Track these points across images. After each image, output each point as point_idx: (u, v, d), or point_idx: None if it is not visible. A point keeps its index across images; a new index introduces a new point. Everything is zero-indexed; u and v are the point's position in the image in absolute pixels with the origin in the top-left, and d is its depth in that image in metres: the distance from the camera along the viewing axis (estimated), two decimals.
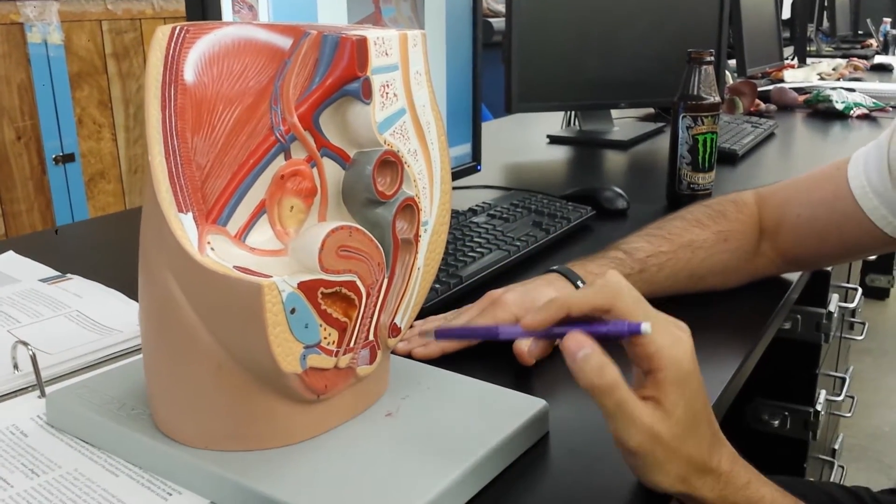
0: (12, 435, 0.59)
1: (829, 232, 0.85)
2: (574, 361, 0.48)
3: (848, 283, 1.58)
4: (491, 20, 3.16)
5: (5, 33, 2.25)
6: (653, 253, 0.83)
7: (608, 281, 0.51)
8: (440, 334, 0.53)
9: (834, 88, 2.25)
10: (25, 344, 0.66)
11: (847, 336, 1.72)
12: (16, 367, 0.68)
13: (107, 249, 1.13)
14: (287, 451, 0.54)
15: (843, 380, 1.58)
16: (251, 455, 0.53)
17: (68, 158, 2.44)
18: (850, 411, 1.59)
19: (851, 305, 1.44)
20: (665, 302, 0.83)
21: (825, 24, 4.41)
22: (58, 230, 1.18)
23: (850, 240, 0.84)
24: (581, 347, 0.48)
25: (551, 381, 0.70)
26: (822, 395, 1.35)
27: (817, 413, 1.29)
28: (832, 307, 1.26)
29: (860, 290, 1.52)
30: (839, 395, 1.50)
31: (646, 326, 0.48)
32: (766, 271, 0.90)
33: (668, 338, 0.49)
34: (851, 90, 2.25)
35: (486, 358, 0.71)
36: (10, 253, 0.99)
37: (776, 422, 1.29)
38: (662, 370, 0.48)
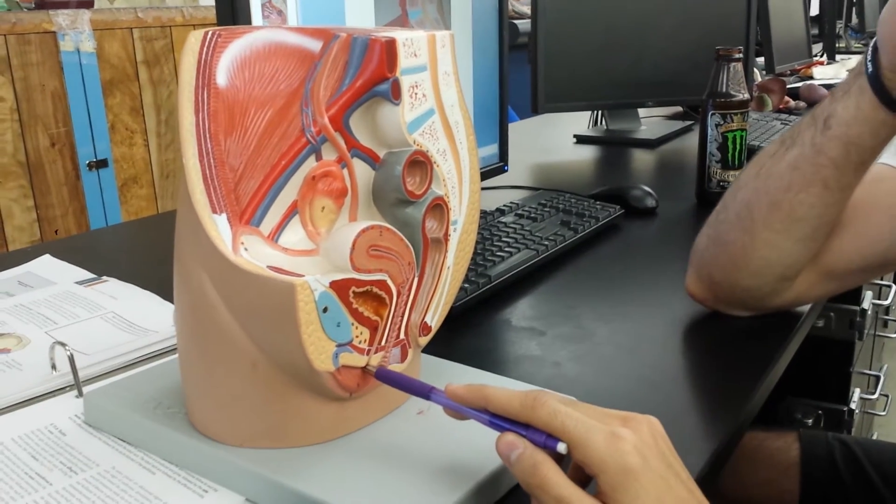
0: (51, 434, 0.61)
1: None
2: (510, 464, 0.47)
3: (881, 280, 1.56)
4: (516, 22, 3.15)
5: (39, 42, 2.29)
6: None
7: (533, 393, 0.47)
8: (379, 374, 0.54)
9: None
10: (63, 345, 0.67)
11: (881, 334, 1.70)
12: (54, 367, 0.69)
13: (141, 252, 1.15)
14: (321, 449, 0.54)
15: (878, 378, 1.56)
16: (285, 452, 0.53)
17: (101, 164, 2.47)
18: (884, 410, 1.57)
19: (886, 303, 1.43)
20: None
21: (854, 20, 4.36)
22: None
23: None
24: (513, 449, 0.46)
25: (582, 378, 0.70)
26: (857, 394, 1.33)
27: (851, 411, 1.28)
28: (866, 304, 1.24)
29: (894, 288, 1.50)
30: (873, 393, 1.49)
31: (561, 446, 0.45)
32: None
33: (601, 438, 0.44)
34: None
35: (519, 357, 0.71)
36: (47, 256, 1.00)
37: (810, 420, 1.28)
38: (601, 475, 0.44)
